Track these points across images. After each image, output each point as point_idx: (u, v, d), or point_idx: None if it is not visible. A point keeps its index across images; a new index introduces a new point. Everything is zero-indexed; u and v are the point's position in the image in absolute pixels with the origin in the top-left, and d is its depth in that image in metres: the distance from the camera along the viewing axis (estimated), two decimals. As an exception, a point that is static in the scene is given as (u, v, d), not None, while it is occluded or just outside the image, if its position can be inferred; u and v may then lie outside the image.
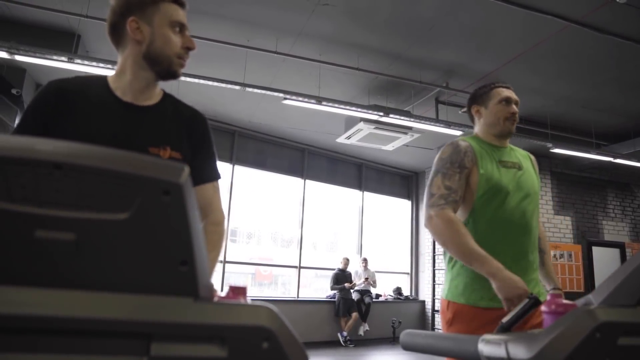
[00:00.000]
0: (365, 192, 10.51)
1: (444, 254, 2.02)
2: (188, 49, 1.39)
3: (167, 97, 1.50)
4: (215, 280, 8.07)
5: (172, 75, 1.40)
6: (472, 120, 2.19)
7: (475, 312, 1.82)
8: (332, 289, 8.84)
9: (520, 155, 2.13)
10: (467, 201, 1.92)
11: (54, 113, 1.33)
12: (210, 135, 1.55)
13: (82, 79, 1.43)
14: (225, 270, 8.39)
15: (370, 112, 6.34)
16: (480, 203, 1.90)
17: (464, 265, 1.85)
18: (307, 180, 9.70)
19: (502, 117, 2.04)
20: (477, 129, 2.14)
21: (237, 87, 5.76)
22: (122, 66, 1.39)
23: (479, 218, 1.89)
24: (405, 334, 1.05)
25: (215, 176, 1.55)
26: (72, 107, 1.33)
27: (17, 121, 6.05)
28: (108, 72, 5.03)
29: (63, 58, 4.94)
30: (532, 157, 2.19)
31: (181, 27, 1.38)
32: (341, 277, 8.85)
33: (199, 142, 1.50)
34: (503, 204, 1.90)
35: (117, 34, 1.37)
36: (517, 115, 2.05)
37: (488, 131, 2.09)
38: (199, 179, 1.48)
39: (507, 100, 2.05)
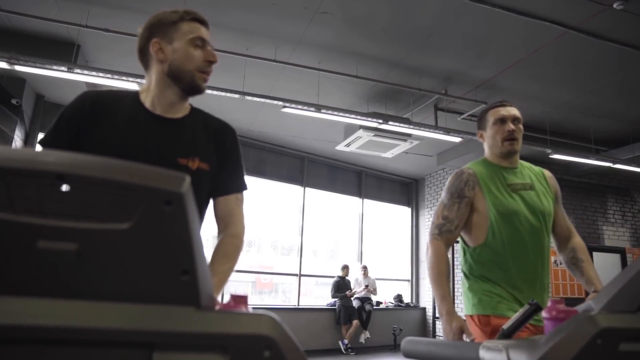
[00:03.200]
0: (365, 200, 10.51)
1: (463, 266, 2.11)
2: (210, 62, 1.44)
3: (195, 110, 1.56)
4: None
5: (196, 89, 1.46)
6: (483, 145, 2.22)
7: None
8: (333, 296, 8.81)
9: (533, 173, 2.14)
10: (481, 226, 1.97)
11: (88, 122, 1.37)
12: (239, 147, 1.60)
13: (115, 92, 1.49)
14: (226, 278, 8.35)
15: (369, 119, 6.35)
16: (493, 227, 1.94)
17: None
18: (307, 188, 9.70)
19: (500, 138, 2.05)
20: (485, 152, 2.17)
21: (237, 96, 5.77)
22: (150, 84, 1.45)
23: (494, 240, 1.94)
24: (406, 342, 1.05)
25: (240, 188, 1.57)
26: (105, 118, 1.38)
27: (16, 131, 6.07)
28: (107, 81, 5.06)
29: (63, 68, 4.95)
30: (547, 173, 2.20)
31: (202, 42, 1.43)
32: (341, 285, 8.83)
33: (227, 153, 1.54)
34: (514, 226, 1.93)
35: (144, 57, 1.45)
36: (516, 133, 2.05)
37: (493, 153, 2.11)
38: (224, 190, 1.52)
39: (503, 120, 2.06)
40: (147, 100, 1.45)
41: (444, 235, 1.95)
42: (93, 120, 1.37)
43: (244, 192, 1.59)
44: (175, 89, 1.44)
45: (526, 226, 1.94)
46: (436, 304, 1.91)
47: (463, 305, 2.03)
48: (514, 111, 2.08)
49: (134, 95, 1.47)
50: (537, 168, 2.19)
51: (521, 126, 2.09)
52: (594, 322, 0.67)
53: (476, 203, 1.98)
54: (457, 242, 2.09)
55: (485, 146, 2.15)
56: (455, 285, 8.40)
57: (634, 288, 0.71)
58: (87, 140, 1.35)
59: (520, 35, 5.21)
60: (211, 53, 1.45)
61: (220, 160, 1.51)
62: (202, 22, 1.47)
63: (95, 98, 1.42)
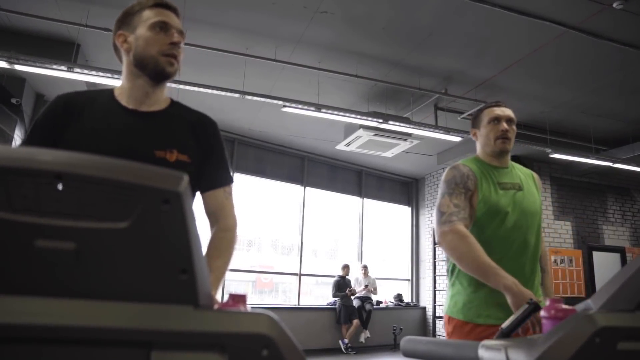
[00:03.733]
0: (365, 199, 10.51)
1: (448, 270, 2.09)
2: (173, 44, 1.39)
3: (174, 103, 1.52)
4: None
5: (162, 74, 1.40)
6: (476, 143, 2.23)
7: (472, 327, 1.88)
8: (334, 296, 8.81)
9: (523, 174, 2.15)
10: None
11: (62, 125, 1.35)
12: (221, 140, 1.55)
13: (89, 92, 1.48)
14: (226, 278, 8.36)
15: (369, 119, 6.35)
16: (480, 224, 1.94)
17: (463, 284, 1.95)
18: (307, 188, 9.69)
19: (493, 137, 2.07)
20: (478, 150, 2.18)
21: (237, 95, 5.77)
22: (122, 77, 1.45)
23: (479, 238, 1.90)
24: (406, 341, 1.05)
25: (227, 181, 1.54)
26: (78, 118, 1.36)
27: (16, 130, 6.07)
28: (108, 80, 5.05)
29: (63, 67, 4.95)
30: (535, 176, 2.21)
31: (163, 26, 1.39)
32: (342, 284, 8.83)
33: (209, 146, 1.50)
34: (502, 224, 1.93)
35: (117, 51, 1.46)
36: (509, 133, 2.06)
37: (485, 152, 2.13)
38: (211, 184, 1.49)
39: (497, 119, 2.07)
40: (121, 96, 1.43)
41: (461, 221, 1.86)
42: (67, 121, 1.35)
43: (231, 185, 1.56)
44: (144, 77, 1.40)
45: (514, 225, 1.94)
46: (492, 282, 1.68)
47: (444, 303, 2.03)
48: (508, 112, 2.09)
49: (109, 92, 1.45)
50: (526, 170, 2.20)
51: (514, 127, 2.10)
52: (592, 321, 0.67)
53: (472, 199, 1.98)
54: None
55: (478, 145, 2.16)
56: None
57: (632, 287, 0.71)
58: (62, 143, 1.33)
59: (520, 34, 5.21)
60: (171, 35, 1.39)
61: (204, 153, 1.47)
62: (167, 7, 1.42)
63: (68, 99, 1.40)
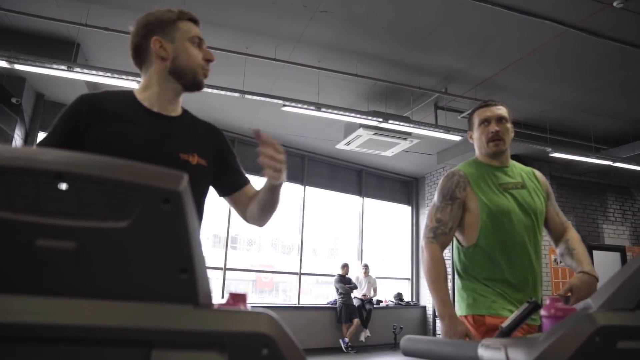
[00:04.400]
0: (365, 198, 10.52)
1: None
2: (208, 60, 1.51)
3: (186, 112, 1.60)
4: (216, 287, 8.06)
5: (198, 85, 1.51)
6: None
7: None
8: (343, 289, 8.75)
9: (524, 172, 2.15)
10: (474, 225, 1.98)
11: (87, 124, 1.38)
12: (231, 146, 1.67)
13: (110, 92, 1.51)
14: (226, 277, 8.38)
15: (369, 118, 6.35)
16: (486, 226, 1.95)
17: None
18: (307, 187, 9.70)
19: (485, 140, 2.07)
20: (476, 152, 2.19)
21: (237, 94, 5.77)
22: (148, 82, 1.49)
23: (486, 240, 1.95)
24: (405, 340, 1.05)
25: (249, 181, 1.68)
26: (104, 118, 1.40)
27: (16, 130, 6.07)
28: (108, 80, 5.06)
29: (63, 67, 4.95)
30: (537, 173, 2.21)
31: (199, 42, 1.50)
32: (344, 282, 8.84)
33: (224, 152, 1.61)
34: (507, 225, 1.95)
35: (140, 54, 1.49)
36: (501, 133, 2.05)
37: (481, 153, 2.13)
38: (238, 185, 1.64)
39: (487, 121, 2.07)
40: (144, 99, 1.48)
41: (439, 238, 1.97)
42: (92, 122, 1.38)
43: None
44: (176, 85, 1.48)
45: (518, 224, 1.95)
46: (436, 308, 1.88)
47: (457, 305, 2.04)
48: (498, 111, 2.08)
49: (130, 94, 1.50)
50: (527, 168, 2.20)
51: (509, 125, 2.09)
52: (592, 320, 0.67)
53: (468, 203, 2.00)
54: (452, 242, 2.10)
55: (475, 147, 2.17)
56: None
57: (632, 286, 0.71)
58: (89, 141, 1.37)
59: (520, 33, 5.21)
60: (209, 52, 1.51)
61: (218, 159, 1.57)
62: (197, 22, 1.53)
63: (93, 100, 1.44)
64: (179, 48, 1.45)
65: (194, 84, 1.50)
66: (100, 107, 1.42)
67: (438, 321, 7.84)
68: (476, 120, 2.11)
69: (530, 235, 1.97)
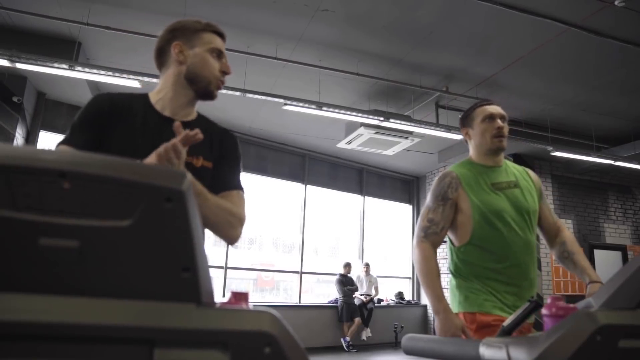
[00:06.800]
0: (366, 197, 10.51)
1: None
2: (224, 73, 1.54)
3: (201, 116, 1.63)
4: (217, 286, 8.06)
5: (209, 95, 1.55)
6: (467, 143, 2.21)
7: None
8: (343, 292, 8.77)
9: (517, 171, 2.15)
10: (466, 225, 1.99)
11: (108, 124, 1.42)
12: (239, 152, 1.67)
13: (127, 94, 1.55)
14: (227, 276, 8.40)
15: (370, 117, 6.35)
16: (479, 226, 1.96)
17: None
18: (308, 186, 9.70)
19: (488, 135, 2.07)
20: (470, 151, 2.18)
21: (238, 93, 5.77)
22: (164, 84, 1.53)
23: (479, 239, 1.96)
24: (407, 339, 1.05)
25: (241, 186, 1.61)
26: (121, 119, 1.44)
27: (18, 129, 6.07)
28: (109, 79, 5.06)
29: (64, 65, 4.96)
30: (531, 173, 2.21)
31: (219, 54, 1.54)
32: (345, 283, 8.85)
33: (228, 154, 1.61)
34: (499, 224, 1.95)
35: (162, 56, 1.54)
36: (504, 130, 2.07)
37: (479, 151, 2.12)
38: (225, 186, 1.56)
39: (491, 117, 2.07)
40: (157, 102, 1.51)
41: (430, 238, 1.99)
42: (112, 123, 1.42)
43: (244, 193, 1.62)
44: (190, 91, 1.52)
45: (511, 224, 1.95)
46: (430, 304, 1.92)
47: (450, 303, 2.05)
48: (501, 110, 2.10)
49: (145, 98, 1.53)
50: (520, 167, 2.21)
51: (507, 125, 2.11)
52: (594, 319, 0.67)
53: (460, 204, 2.00)
54: (445, 242, 2.11)
55: (471, 145, 2.16)
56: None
57: (633, 285, 0.71)
58: (107, 142, 1.40)
59: (521, 32, 5.20)
60: (227, 65, 1.55)
61: (221, 159, 1.58)
62: (222, 36, 1.57)
63: (113, 100, 1.47)
64: (198, 55, 1.49)
65: (206, 93, 1.54)
66: (118, 108, 1.45)
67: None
68: (478, 116, 2.10)
69: (523, 234, 1.97)
